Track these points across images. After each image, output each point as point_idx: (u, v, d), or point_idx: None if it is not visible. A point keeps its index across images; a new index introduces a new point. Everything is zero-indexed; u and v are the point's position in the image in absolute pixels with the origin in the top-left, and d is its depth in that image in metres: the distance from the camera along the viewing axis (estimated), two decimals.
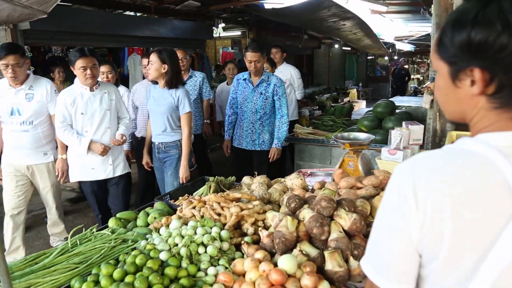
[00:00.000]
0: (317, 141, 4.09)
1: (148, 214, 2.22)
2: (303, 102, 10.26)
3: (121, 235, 1.92)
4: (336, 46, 14.81)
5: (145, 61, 3.96)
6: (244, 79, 3.70)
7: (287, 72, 5.16)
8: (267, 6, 7.63)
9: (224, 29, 9.87)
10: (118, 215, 2.28)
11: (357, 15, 7.99)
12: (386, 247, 0.81)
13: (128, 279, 1.46)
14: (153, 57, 3.07)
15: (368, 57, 19.91)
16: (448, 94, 0.81)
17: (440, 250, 0.74)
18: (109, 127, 3.17)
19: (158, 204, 2.38)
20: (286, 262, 1.51)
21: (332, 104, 10.50)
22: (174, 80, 3.10)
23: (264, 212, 1.98)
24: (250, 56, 3.51)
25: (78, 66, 2.94)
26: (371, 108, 4.29)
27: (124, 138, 3.22)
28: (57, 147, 3.33)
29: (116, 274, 1.49)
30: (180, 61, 3.98)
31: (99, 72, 3.22)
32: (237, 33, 10.05)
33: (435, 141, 2.82)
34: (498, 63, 0.70)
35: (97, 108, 3.10)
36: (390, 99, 5.32)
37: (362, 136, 2.50)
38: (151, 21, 7.17)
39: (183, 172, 3.15)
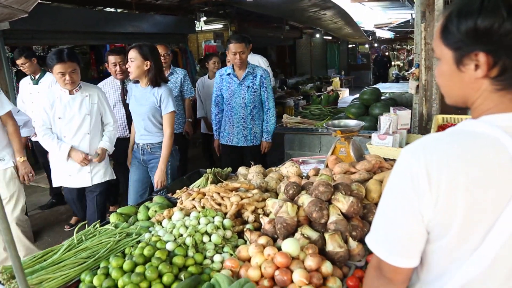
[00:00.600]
0: (306, 130, 4.16)
1: (148, 208, 2.26)
2: (287, 93, 10.38)
3: (125, 229, 1.96)
4: (318, 35, 14.90)
5: (112, 58, 3.74)
6: (228, 74, 3.53)
7: (255, 62, 5.01)
8: None
9: (206, 22, 9.82)
10: (118, 210, 2.32)
11: (338, 4, 8.07)
12: (396, 225, 0.86)
13: (138, 269, 1.51)
14: (134, 53, 2.83)
15: (349, 46, 20.09)
16: (452, 79, 0.87)
17: (451, 226, 0.80)
18: (88, 133, 3.00)
19: (157, 198, 2.42)
20: (289, 245, 1.58)
21: (317, 93, 10.62)
22: (157, 78, 2.89)
23: (263, 200, 2.05)
24: (234, 47, 3.35)
25: (56, 71, 2.80)
26: (357, 96, 4.38)
27: (107, 152, 3.09)
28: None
29: (126, 265, 1.54)
30: (162, 57, 3.88)
31: (79, 76, 2.95)
32: (219, 26, 10.02)
33: (421, 125, 2.93)
34: (502, 47, 0.76)
35: (76, 112, 2.94)
36: (374, 86, 5.43)
37: (352, 123, 2.58)
38: (132, 17, 7.11)
39: (160, 175, 2.92)
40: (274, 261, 1.54)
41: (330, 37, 15.85)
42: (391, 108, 2.67)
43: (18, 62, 4.20)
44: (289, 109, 8.72)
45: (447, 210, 0.80)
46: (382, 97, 4.33)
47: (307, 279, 1.44)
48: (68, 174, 3.00)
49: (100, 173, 3.09)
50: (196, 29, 8.78)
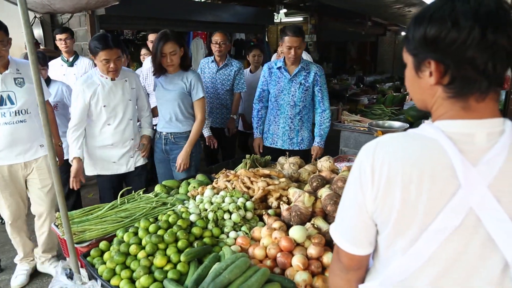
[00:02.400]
0: (360, 129, 4.10)
1: (189, 184, 2.49)
2: (362, 90, 10.11)
3: (162, 199, 2.21)
4: (403, 33, 14.19)
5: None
6: (279, 68, 3.19)
7: None
8: None
9: (286, 14, 9.94)
10: (163, 182, 2.58)
11: (424, 1, 7.65)
12: (347, 215, 0.94)
13: (160, 232, 1.72)
14: (173, 45, 2.77)
15: None
16: (413, 84, 0.92)
17: (390, 220, 0.86)
18: (131, 119, 2.89)
19: (199, 176, 2.64)
20: (295, 232, 1.68)
21: (394, 93, 10.20)
22: (188, 62, 2.90)
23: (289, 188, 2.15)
24: (289, 41, 3.01)
25: (101, 58, 2.62)
26: None
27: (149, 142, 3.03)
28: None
29: (151, 228, 1.76)
30: (217, 45, 3.82)
31: (122, 62, 2.77)
32: (298, 18, 10.07)
33: None
34: (449, 56, 0.79)
35: (119, 98, 2.81)
36: None
37: (397, 124, 2.56)
38: (214, 6, 7.48)
39: (183, 158, 2.87)
40: (279, 244, 1.65)
41: None
42: None
43: (62, 37, 4.14)
44: (361, 106, 8.54)
45: (384, 204, 0.85)
46: None
47: (303, 265, 1.53)
48: (112, 161, 2.88)
49: (140, 156, 3.00)
50: (275, 21, 8.93)
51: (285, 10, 9.07)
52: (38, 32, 5.66)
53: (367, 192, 0.88)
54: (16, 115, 2.59)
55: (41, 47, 5.61)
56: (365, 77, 11.33)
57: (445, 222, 0.81)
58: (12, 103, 2.58)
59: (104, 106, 2.75)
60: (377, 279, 0.94)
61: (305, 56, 4.36)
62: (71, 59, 4.28)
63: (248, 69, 4.63)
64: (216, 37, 3.89)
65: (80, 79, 2.82)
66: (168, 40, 2.75)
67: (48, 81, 3.52)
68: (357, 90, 9.67)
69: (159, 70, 2.88)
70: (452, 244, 0.82)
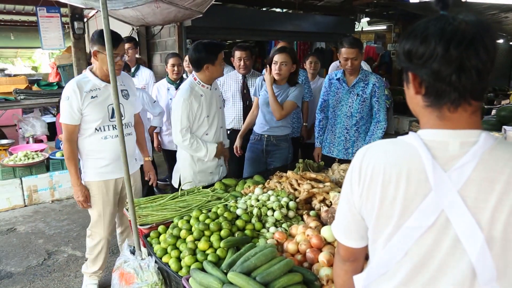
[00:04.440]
0: None
1: (245, 183, 2.71)
2: None
3: (217, 194, 2.45)
4: (501, 40, 12.99)
5: (238, 53, 3.82)
6: (338, 79, 3.28)
7: None
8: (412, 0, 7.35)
9: (369, 23, 9.79)
10: (223, 180, 2.83)
11: None
12: (342, 211, 1.07)
13: (207, 221, 1.95)
14: (286, 57, 3.01)
15: None
16: (406, 94, 1.01)
17: (372, 216, 0.97)
18: (221, 126, 2.96)
19: (256, 177, 2.85)
20: (326, 231, 1.79)
21: (486, 106, 9.43)
22: (296, 79, 3.17)
23: None
24: (346, 52, 3.07)
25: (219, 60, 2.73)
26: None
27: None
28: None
29: (201, 217, 2.00)
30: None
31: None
32: (382, 27, 9.86)
33: None
34: (420, 68, 0.89)
35: (215, 107, 2.86)
36: None
37: None
38: (293, 16, 7.69)
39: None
40: (310, 241, 1.78)
41: None
42: (503, 127, 2.43)
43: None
44: None
45: (367, 201, 0.96)
46: None
47: (328, 262, 1.63)
48: (209, 171, 2.92)
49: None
50: (356, 29, 8.87)
51: (367, 19, 8.95)
52: None
53: (355, 190, 1.00)
54: (125, 128, 2.54)
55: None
56: None
57: (419, 221, 0.89)
58: (121, 115, 2.58)
59: (207, 116, 2.80)
60: (366, 271, 1.05)
61: (365, 67, 4.37)
62: (132, 69, 4.38)
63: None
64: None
65: (181, 92, 2.75)
66: (283, 51, 3.03)
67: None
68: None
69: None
70: (426, 242, 0.90)
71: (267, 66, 3.10)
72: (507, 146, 0.87)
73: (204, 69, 2.71)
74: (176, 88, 4.14)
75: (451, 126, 0.90)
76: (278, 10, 8.18)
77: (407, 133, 0.99)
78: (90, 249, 2.75)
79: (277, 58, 3.02)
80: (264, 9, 8.12)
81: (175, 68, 4.15)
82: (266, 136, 3.27)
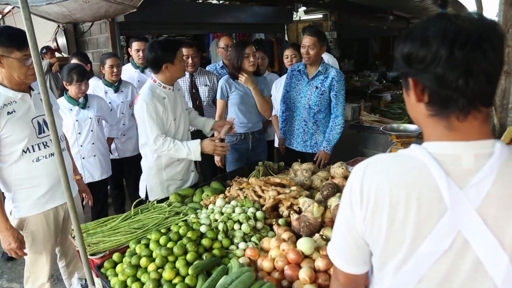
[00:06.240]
0: (378, 129, 4.00)
1: (203, 192, 2.51)
2: (385, 86, 9.92)
3: (175, 208, 2.24)
4: None
5: (185, 51, 3.41)
6: (299, 70, 3.25)
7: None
8: None
9: (306, 12, 9.85)
10: (179, 191, 2.61)
11: None
12: (340, 234, 0.94)
13: (169, 245, 1.74)
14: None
15: None
16: (407, 102, 0.90)
17: (379, 241, 0.85)
18: (189, 129, 2.78)
19: (214, 183, 2.66)
20: (303, 244, 1.67)
21: None
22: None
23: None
24: (303, 40, 3.05)
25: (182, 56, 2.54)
26: None
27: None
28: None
29: (162, 240, 1.79)
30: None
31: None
32: (318, 16, 9.97)
33: (494, 135, 2.65)
34: (422, 74, 0.79)
35: (181, 109, 2.64)
36: None
37: (412, 127, 2.49)
38: (231, 8, 7.51)
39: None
40: (287, 257, 1.65)
41: None
42: None
43: (139, 47, 4.08)
44: (383, 103, 8.38)
45: (373, 225, 0.85)
46: None
47: (310, 279, 1.52)
48: (178, 179, 2.75)
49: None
50: (294, 19, 8.86)
51: (304, 8, 8.99)
52: (62, 40, 5.84)
53: (357, 213, 0.88)
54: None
55: (64, 54, 5.79)
56: (388, 73, 11.11)
57: (434, 245, 0.79)
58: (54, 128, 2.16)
59: (174, 119, 2.59)
60: None
61: (328, 58, 4.28)
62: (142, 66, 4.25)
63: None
64: (224, 41, 3.98)
65: (145, 94, 2.47)
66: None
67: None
68: (380, 87, 9.50)
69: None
70: (442, 267, 0.81)
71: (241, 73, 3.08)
72: None
73: (163, 70, 2.48)
74: (115, 91, 3.80)
75: (462, 137, 0.80)
76: (215, 1, 7.93)
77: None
78: None
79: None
80: (200, 1, 7.83)
81: (114, 70, 3.76)
82: (250, 133, 3.32)
